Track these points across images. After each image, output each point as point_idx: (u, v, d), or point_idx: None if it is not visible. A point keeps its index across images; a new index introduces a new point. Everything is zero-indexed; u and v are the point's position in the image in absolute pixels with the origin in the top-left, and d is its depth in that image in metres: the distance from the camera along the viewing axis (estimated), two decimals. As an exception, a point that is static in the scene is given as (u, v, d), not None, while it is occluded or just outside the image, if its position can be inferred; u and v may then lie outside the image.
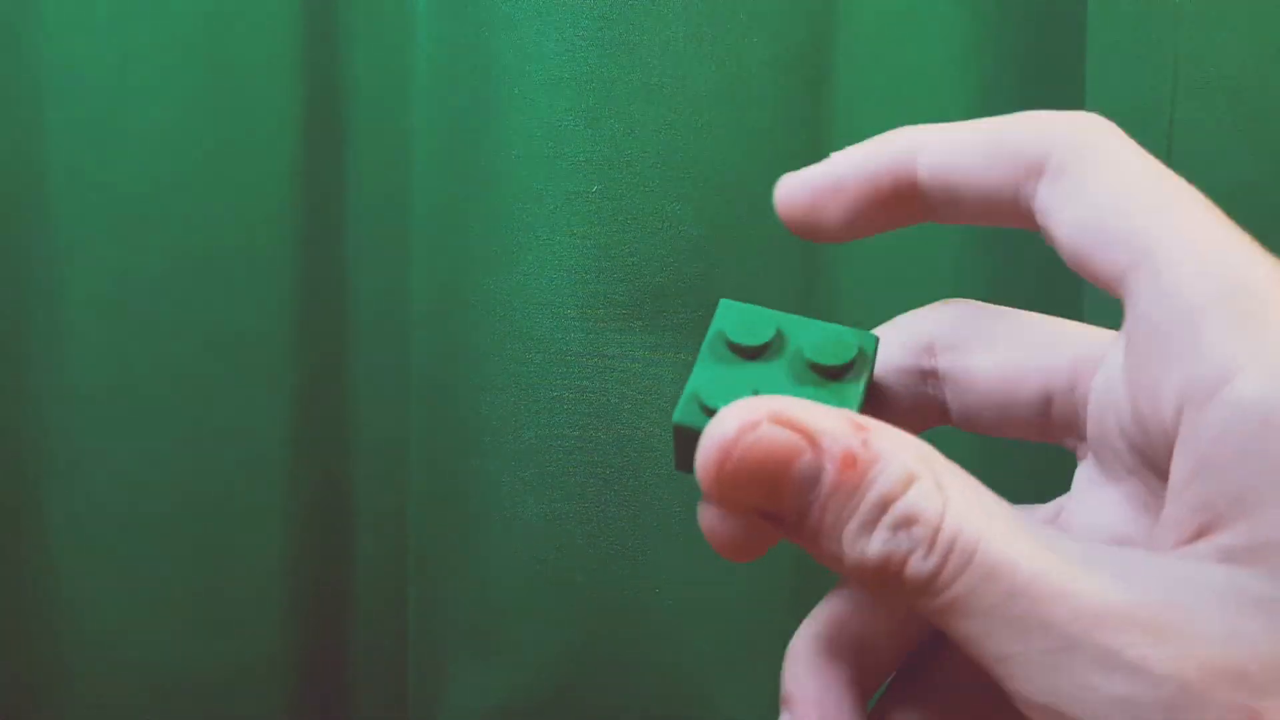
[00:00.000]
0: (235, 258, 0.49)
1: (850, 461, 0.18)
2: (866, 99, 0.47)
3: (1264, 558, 0.17)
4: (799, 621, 0.22)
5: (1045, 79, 0.47)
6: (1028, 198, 0.21)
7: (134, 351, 0.49)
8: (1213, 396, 0.17)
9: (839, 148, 0.48)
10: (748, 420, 0.19)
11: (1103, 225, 0.20)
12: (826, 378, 0.22)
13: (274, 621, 0.51)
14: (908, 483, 0.18)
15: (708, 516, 0.21)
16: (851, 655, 0.22)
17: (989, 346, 0.23)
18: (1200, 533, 0.17)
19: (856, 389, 0.22)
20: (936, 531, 0.18)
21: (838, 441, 0.18)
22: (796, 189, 0.23)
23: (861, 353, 0.23)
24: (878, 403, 0.24)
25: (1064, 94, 0.45)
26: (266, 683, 0.51)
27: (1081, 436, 0.22)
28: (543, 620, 0.46)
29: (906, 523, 0.18)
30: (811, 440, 0.18)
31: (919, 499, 0.18)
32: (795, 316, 0.23)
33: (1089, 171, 0.20)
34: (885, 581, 0.18)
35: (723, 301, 0.23)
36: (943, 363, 0.23)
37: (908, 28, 0.47)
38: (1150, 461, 0.20)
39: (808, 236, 0.23)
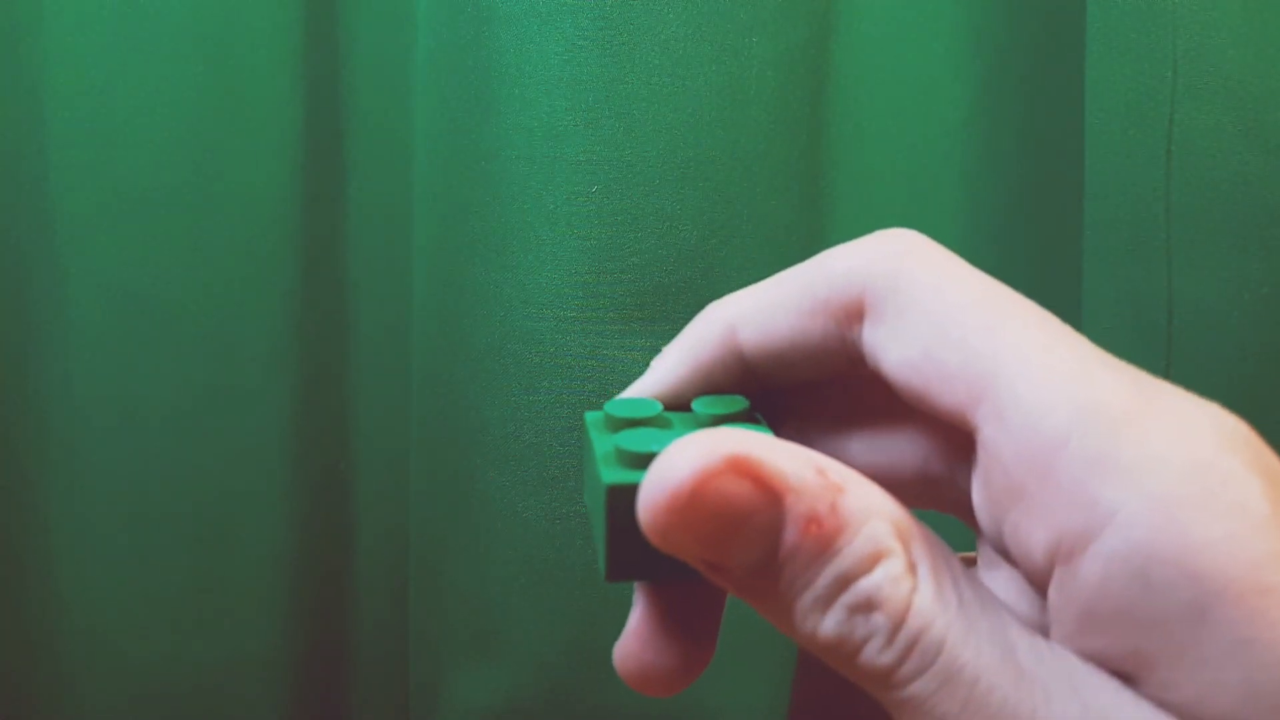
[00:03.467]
0: (236, 257, 0.49)
1: (814, 524, 0.16)
2: (866, 99, 0.47)
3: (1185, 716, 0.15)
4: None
5: (1045, 79, 0.47)
6: (855, 345, 0.19)
7: (133, 350, 0.49)
8: (1083, 552, 0.16)
9: (839, 147, 0.47)
10: (702, 466, 0.16)
11: (933, 361, 0.18)
12: (732, 424, 0.20)
13: (274, 621, 0.51)
14: (874, 560, 0.16)
15: (621, 652, 0.19)
16: None
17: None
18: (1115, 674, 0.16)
19: (764, 429, 0.20)
20: (899, 624, 0.16)
21: (802, 500, 0.16)
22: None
23: (749, 405, 0.21)
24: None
25: (1064, 94, 0.45)
26: (266, 682, 0.51)
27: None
28: (543, 620, 0.46)
29: (867, 607, 0.16)
30: (773, 496, 0.16)
31: (884, 582, 0.16)
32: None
33: (906, 304, 0.18)
34: (837, 660, 0.17)
35: (586, 414, 0.22)
36: None
37: (908, 28, 0.47)
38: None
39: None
